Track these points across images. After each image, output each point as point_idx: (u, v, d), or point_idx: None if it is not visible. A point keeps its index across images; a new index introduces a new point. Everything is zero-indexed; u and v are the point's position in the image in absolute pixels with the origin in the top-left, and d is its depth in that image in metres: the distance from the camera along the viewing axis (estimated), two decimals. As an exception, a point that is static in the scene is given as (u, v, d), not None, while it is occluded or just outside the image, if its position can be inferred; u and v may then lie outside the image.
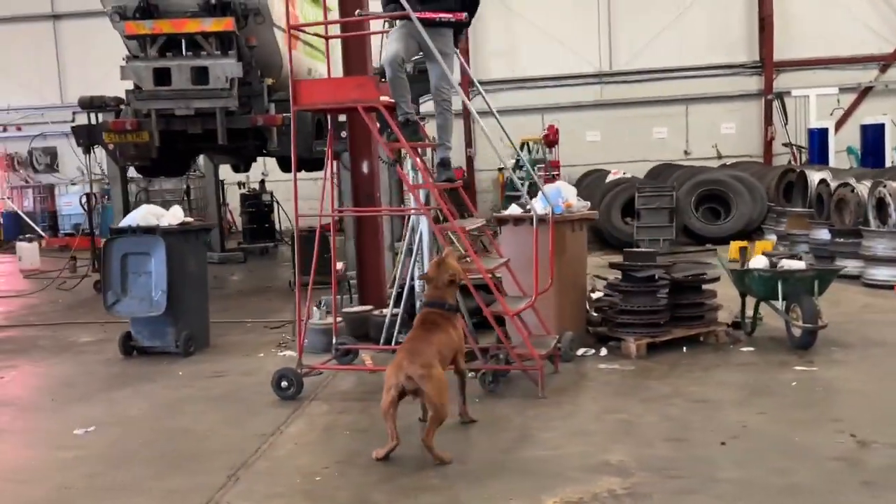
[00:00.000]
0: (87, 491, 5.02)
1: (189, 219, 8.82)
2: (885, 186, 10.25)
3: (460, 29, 7.06)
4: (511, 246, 7.73)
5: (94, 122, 12.85)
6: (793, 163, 20.52)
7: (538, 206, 7.43)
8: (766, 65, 22.60)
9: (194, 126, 11.63)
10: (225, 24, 11.28)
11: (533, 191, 18.88)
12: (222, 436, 5.92)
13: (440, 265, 5.69)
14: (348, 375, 7.29)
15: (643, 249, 8.11)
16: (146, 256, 8.25)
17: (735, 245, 11.91)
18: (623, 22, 22.96)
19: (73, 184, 23.73)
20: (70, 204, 22.44)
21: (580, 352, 7.66)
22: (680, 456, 5.08)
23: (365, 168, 9.17)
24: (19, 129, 24.72)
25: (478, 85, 7.55)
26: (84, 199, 15.78)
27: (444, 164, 7.13)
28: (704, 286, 7.96)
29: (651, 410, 5.98)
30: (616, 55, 23.18)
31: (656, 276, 7.66)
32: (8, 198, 22.72)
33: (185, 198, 17.95)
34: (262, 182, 19.23)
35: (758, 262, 7.88)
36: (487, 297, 6.96)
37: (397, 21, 6.81)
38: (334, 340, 7.51)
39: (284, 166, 13.17)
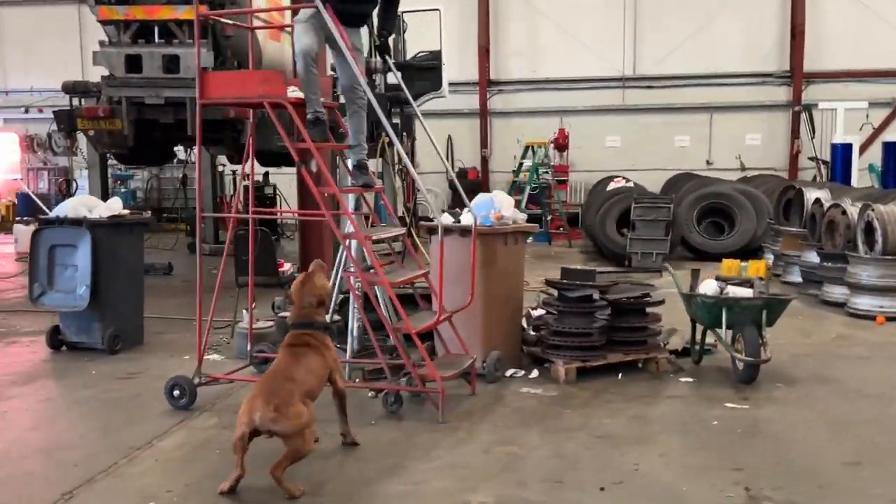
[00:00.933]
0: None
1: (125, 211, 8.54)
2: (873, 210, 9.57)
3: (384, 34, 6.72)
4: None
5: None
6: (818, 178, 19.68)
7: (464, 217, 7.00)
8: (796, 75, 21.64)
9: (165, 115, 11.40)
10: (199, 12, 10.99)
11: (541, 196, 18.26)
12: (90, 446, 5.59)
13: (304, 284, 5.26)
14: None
15: (582, 267, 7.59)
16: (73, 249, 8.00)
17: (726, 263, 11.30)
18: (649, 26, 22.18)
19: (88, 167, 23.73)
20: (84, 187, 22.42)
21: (509, 372, 7.20)
22: (547, 501, 4.63)
23: (313, 167, 8.79)
24: (41, 111, 24.82)
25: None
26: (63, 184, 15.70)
27: (361, 167, 6.73)
28: (649, 309, 7.47)
29: (547, 444, 5.52)
30: (640, 59, 22.40)
31: (593, 297, 7.18)
32: (21, 179, 22.80)
33: (182, 187, 17.78)
34: (266, 175, 18.94)
35: (706, 286, 7.35)
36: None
37: (301, 12, 6.38)
38: (248, 347, 7.21)
39: (261, 160, 12.84)
